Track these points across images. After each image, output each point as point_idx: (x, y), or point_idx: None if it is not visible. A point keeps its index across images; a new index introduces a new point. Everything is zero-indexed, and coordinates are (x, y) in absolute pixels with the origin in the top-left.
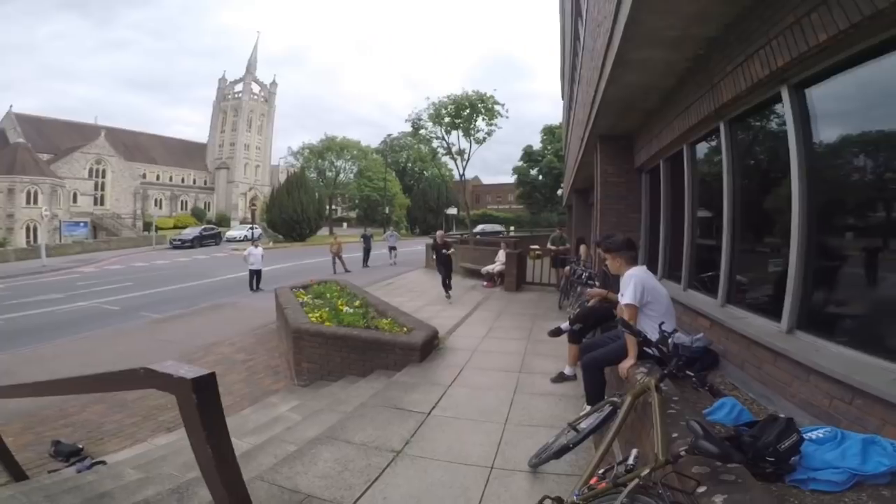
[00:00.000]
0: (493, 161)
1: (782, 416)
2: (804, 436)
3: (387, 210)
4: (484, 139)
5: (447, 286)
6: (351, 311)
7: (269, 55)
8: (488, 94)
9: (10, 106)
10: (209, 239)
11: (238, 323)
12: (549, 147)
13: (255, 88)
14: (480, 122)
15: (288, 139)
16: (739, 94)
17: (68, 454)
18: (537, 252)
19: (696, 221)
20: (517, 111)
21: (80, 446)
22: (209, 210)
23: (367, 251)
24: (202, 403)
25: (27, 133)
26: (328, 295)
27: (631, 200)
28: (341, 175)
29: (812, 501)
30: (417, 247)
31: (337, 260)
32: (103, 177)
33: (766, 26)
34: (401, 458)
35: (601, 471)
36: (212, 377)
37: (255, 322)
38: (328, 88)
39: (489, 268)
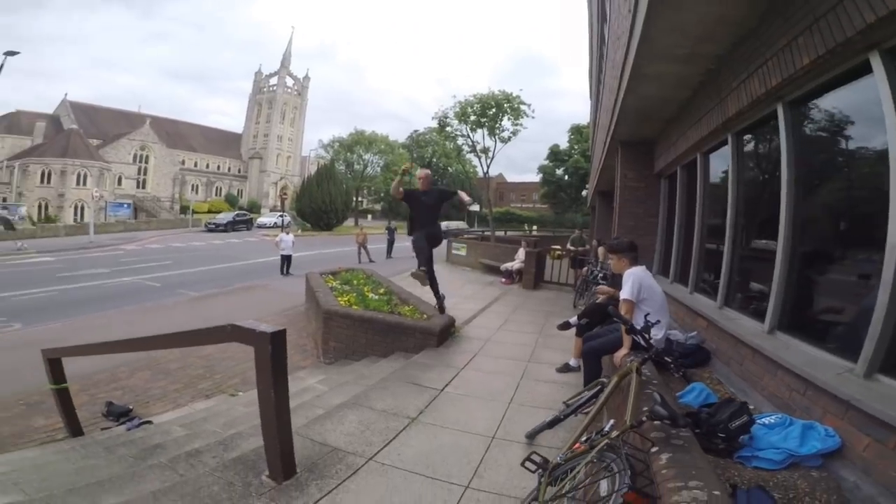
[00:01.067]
0: (519, 159)
1: (738, 399)
2: (758, 421)
3: None
4: (509, 138)
5: (432, 279)
6: (376, 297)
7: (302, 49)
8: (514, 94)
9: (65, 94)
10: (241, 224)
11: (270, 304)
12: (576, 147)
13: (289, 82)
14: (506, 122)
15: (318, 131)
16: (742, 110)
17: (119, 414)
18: (558, 252)
19: (706, 228)
20: (545, 109)
21: (130, 407)
22: (241, 197)
23: (390, 243)
24: (275, 354)
25: (79, 120)
26: (355, 282)
27: (649, 205)
28: (368, 168)
29: (749, 475)
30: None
31: (362, 250)
32: (146, 162)
33: (764, 47)
34: (415, 423)
35: (584, 438)
36: (283, 333)
37: (286, 304)
38: (357, 83)
39: (508, 265)
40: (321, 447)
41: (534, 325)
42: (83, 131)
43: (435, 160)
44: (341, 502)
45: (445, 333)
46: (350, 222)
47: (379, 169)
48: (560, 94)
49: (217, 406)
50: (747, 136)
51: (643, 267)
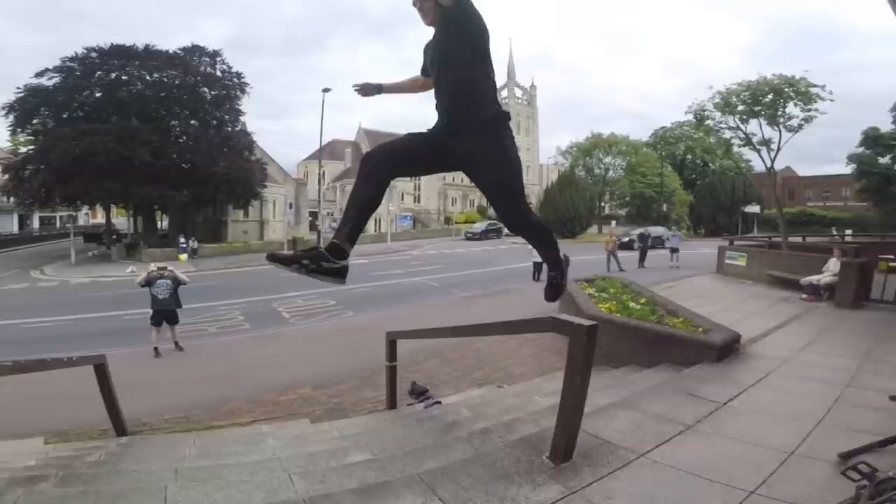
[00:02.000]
0: (812, 148)
1: None
2: None
3: (664, 207)
4: (800, 126)
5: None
6: (637, 306)
7: (520, 59)
8: (798, 77)
9: (360, 123)
10: (492, 233)
11: (524, 307)
12: None
13: (518, 92)
14: (793, 108)
15: (548, 139)
16: None
17: (419, 393)
18: (892, 264)
19: None
20: (841, 87)
21: (427, 388)
22: (489, 208)
23: (643, 251)
24: (588, 345)
25: (371, 144)
26: (612, 290)
27: None
28: (610, 171)
29: None
30: (703, 249)
31: (612, 257)
32: (419, 179)
33: None
34: (691, 430)
35: None
36: (596, 328)
37: (539, 308)
38: (582, 84)
39: (813, 278)
40: (593, 439)
41: (854, 348)
42: None
43: (689, 156)
44: (612, 488)
45: (728, 349)
46: (593, 229)
47: (622, 171)
48: (861, 66)
49: (489, 394)
50: None
51: None
